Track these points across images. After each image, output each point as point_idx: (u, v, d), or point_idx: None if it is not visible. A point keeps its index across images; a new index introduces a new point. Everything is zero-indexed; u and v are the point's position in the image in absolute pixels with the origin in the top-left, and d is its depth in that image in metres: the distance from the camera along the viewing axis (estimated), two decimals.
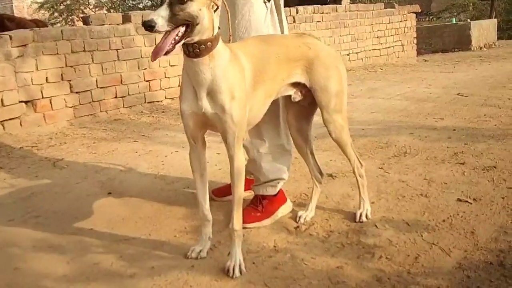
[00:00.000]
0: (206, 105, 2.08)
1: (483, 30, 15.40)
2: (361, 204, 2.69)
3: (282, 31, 2.77)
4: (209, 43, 1.99)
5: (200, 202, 2.37)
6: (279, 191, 2.81)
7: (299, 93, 2.47)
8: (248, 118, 2.21)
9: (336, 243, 2.44)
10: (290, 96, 2.47)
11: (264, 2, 2.63)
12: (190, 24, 1.90)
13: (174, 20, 1.85)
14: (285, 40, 2.49)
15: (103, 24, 5.80)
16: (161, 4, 1.86)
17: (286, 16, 7.86)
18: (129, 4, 21.47)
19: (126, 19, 6.04)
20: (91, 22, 5.74)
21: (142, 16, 6.16)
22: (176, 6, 1.85)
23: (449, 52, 14.06)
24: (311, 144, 2.77)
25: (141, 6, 21.52)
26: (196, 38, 1.95)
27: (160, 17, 1.81)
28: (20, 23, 6.13)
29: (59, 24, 20.05)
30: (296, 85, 2.44)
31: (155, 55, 1.91)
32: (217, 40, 2.03)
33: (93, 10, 20.97)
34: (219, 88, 2.06)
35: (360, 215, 2.66)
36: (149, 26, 1.80)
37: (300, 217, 2.71)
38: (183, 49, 2.01)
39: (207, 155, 3.94)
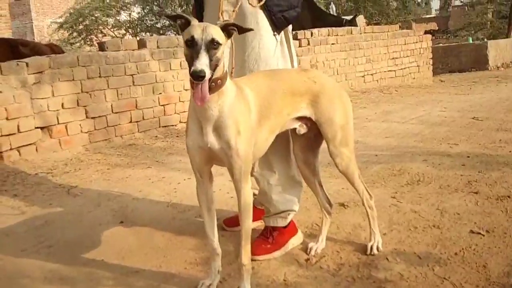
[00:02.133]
0: (212, 140, 2.10)
1: (500, 49, 15.32)
2: (371, 236, 2.68)
3: (292, 63, 2.78)
4: (219, 80, 2.01)
5: (208, 236, 2.37)
6: (289, 222, 2.80)
7: (304, 126, 2.48)
8: (252, 152, 2.22)
9: (347, 277, 2.42)
10: (295, 129, 2.48)
11: (274, 35, 2.64)
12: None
13: (211, 65, 1.87)
14: (290, 75, 2.50)
15: (118, 50, 5.87)
16: (191, 47, 1.87)
17: (301, 39, 7.97)
18: (147, 24, 21.76)
19: (142, 45, 6.11)
20: (107, 48, 5.82)
21: (157, 41, 6.23)
22: (211, 51, 1.87)
23: (466, 71, 14.00)
24: (319, 175, 2.77)
25: (159, 25, 21.80)
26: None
27: (205, 65, 1.82)
28: (35, 48, 6.25)
29: (78, 44, 20.38)
30: (301, 118, 2.46)
31: (202, 101, 1.91)
32: (225, 77, 2.05)
33: (112, 30, 21.29)
34: (225, 124, 2.07)
35: (371, 248, 2.64)
36: (200, 77, 1.81)
37: (310, 249, 2.70)
38: (191, 86, 2.01)
39: (219, 182, 3.99)
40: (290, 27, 2.76)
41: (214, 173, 4.29)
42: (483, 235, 2.76)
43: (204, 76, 1.81)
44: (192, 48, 1.88)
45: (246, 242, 2.26)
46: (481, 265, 2.43)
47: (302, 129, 2.48)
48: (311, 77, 2.47)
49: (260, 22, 2.59)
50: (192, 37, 1.88)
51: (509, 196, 3.30)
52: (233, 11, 2.47)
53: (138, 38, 18.32)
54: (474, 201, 3.27)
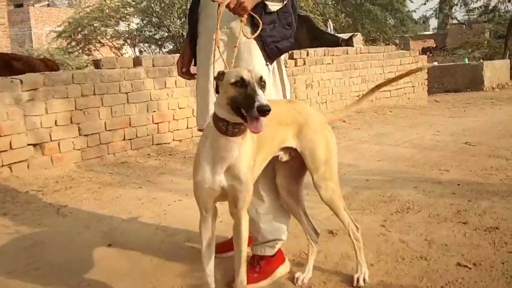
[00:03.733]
0: (223, 178, 2.13)
1: (496, 70, 15.42)
2: (358, 268, 2.67)
3: (284, 91, 2.80)
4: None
5: (205, 271, 2.36)
6: (277, 251, 2.80)
7: (287, 154, 2.50)
8: None
9: None
10: (278, 156, 2.50)
11: (266, 65, 2.66)
12: None
13: None
14: (278, 106, 2.52)
15: (114, 68, 5.89)
16: (242, 87, 1.94)
17: (296, 59, 8.01)
18: (146, 35, 21.80)
19: (137, 63, 6.14)
20: (102, 65, 5.84)
21: (152, 60, 6.25)
22: (262, 89, 1.94)
23: (461, 92, 14.07)
24: (303, 204, 2.77)
25: (157, 36, 21.84)
26: None
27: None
28: (28, 62, 6.27)
29: (76, 53, 20.40)
30: (287, 148, 2.48)
31: (258, 130, 1.92)
32: None
33: (110, 40, 21.32)
34: (241, 163, 2.11)
35: (358, 280, 2.63)
36: (268, 111, 1.84)
37: (297, 279, 2.70)
38: (217, 127, 2.04)
39: None
40: (282, 57, 2.78)
41: None
42: (470, 268, 2.76)
43: (270, 110, 1.84)
44: (244, 88, 1.92)
45: (243, 267, 2.33)
46: None
47: (284, 156, 2.50)
48: (296, 109, 2.51)
49: (253, 51, 2.61)
50: (242, 78, 1.93)
51: (497, 228, 3.30)
52: (235, 47, 2.48)
53: (136, 51, 18.32)
54: (463, 232, 3.28)
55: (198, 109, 2.75)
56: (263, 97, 1.87)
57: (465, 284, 2.59)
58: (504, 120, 8.24)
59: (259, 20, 2.52)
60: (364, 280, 2.64)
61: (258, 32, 2.53)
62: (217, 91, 2.09)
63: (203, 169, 2.13)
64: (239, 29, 2.55)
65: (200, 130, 2.80)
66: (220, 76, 2.04)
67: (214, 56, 2.53)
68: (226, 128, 2.02)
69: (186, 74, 2.93)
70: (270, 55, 2.65)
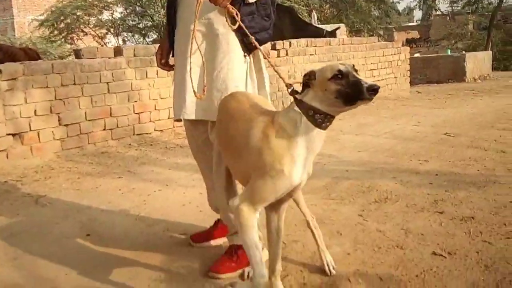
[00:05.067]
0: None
1: (478, 62, 15.56)
2: (322, 256, 2.70)
3: (263, 84, 2.80)
4: None
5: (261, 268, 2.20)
6: None
7: None
8: None
9: None
10: None
11: (244, 56, 2.66)
12: None
13: None
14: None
15: (94, 58, 5.86)
16: (342, 78, 1.96)
17: (279, 50, 7.99)
18: (129, 24, 21.65)
19: (118, 53, 6.10)
20: (82, 55, 5.80)
21: (134, 50, 6.22)
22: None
23: (443, 83, 14.17)
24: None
25: (141, 26, 21.70)
26: None
27: None
28: (8, 51, 6.20)
29: (58, 42, 20.19)
30: None
31: None
32: None
33: (93, 29, 21.14)
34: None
35: (328, 269, 2.65)
36: (378, 88, 1.89)
37: (248, 273, 2.66)
38: (314, 121, 2.04)
39: (190, 195, 4.01)
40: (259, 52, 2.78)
41: (186, 184, 4.32)
42: (445, 257, 2.80)
43: (379, 87, 1.90)
44: (345, 78, 1.94)
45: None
46: None
47: None
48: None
49: (231, 43, 2.61)
50: (340, 70, 1.95)
51: (473, 217, 3.35)
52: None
53: (119, 40, 18.15)
54: (439, 222, 3.32)
55: (175, 99, 2.75)
56: (366, 80, 1.92)
57: (439, 273, 2.62)
58: (484, 111, 8.31)
59: (237, 12, 2.52)
60: (332, 267, 2.66)
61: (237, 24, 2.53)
62: (303, 89, 2.09)
63: (297, 165, 2.09)
64: (217, 20, 2.56)
65: (176, 120, 2.81)
66: (310, 76, 2.05)
67: (191, 47, 2.53)
68: (322, 121, 2.03)
69: (166, 65, 2.93)
70: (249, 46, 2.65)
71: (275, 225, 2.34)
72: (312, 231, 2.72)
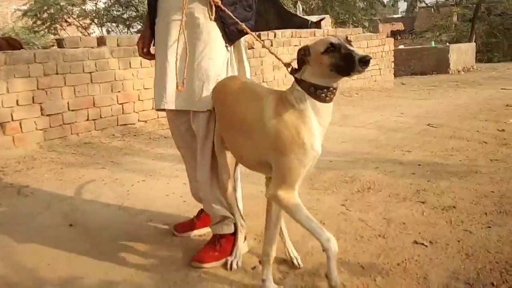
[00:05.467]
0: None
1: (461, 53, 15.64)
2: (289, 251, 2.72)
3: (244, 75, 2.80)
4: None
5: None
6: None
7: None
8: None
9: (291, 286, 2.45)
10: None
11: (226, 46, 2.66)
12: None
13: None
14: None
15: (77, 47, 5.80)
16: (334, 51, 1.99)
17: (264, 40, 7.95)
18: (113, 14, 21.48)
19: (101, 42, 6.06)
20: (65, 45, 5.75)
21: (117, 40, 6.17)
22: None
23: (427, 75, 14.25)
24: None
25: (125, 16, 21.55)
26: None
27: None
28: None
29: (42, 32, 19.98)
30: None
31: None
32: None
33: (77, 19, 20.94)
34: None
35: (297, 262, 2.67)
36: (370, 59, 1.94)
37: (231, 263, 2.68)
38: (318, 97, 2.07)
39: (173, 185, 4.00)
40: (242, 39, 2.78)
41: (169, 174, 4.32)
42: (426, 246, 2.82)
43: (371, 58, 1.95)
44: (337, 51, 1.97)
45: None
46: (422, 277, 2.48)
47: None
48: None
49: (212, 33, 2.60)
50: (332, 43, 1.98)
51: (454, 207, 3.38)
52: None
53: (103, 30, 17.99)
54: (421, 211, 3.34)
55: (156, 89, 2.74)
56: (358, 51, 1.95)
57: (420, 261, 2.64)
58: (467, 102, 8.37)
59: (218, 2, 2.52)
60: (299, 261, 2.68)
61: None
62: (300, 68, 2.12)
63: (316, 136, 2.11)
64: (198, 10, 2.55)
65: (157, 110, 2.80)
66: (305, 52, 2.08)
67: (179, 38, 2.52)
68: (326, 95, 2.07)
69: (147, 54, 2.92)
70: (230, 37, 2.66)
71: (276, 209, 2.39)
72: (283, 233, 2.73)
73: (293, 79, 2.15)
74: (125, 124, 6.24)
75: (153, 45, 2.85)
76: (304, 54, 2.08)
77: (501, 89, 10.08)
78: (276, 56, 2.47)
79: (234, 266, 2.65)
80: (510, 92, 9.54)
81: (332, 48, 1.98)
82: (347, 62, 1.95)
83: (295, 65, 2.18)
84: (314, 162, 2.18)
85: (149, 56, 2.93)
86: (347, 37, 2.04)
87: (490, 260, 2.63)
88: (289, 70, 2.19)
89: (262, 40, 2.73)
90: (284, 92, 2.17)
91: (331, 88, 2.07)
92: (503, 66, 17.08)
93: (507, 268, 2.52)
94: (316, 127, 2.10)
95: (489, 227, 3.05)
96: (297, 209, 2.17)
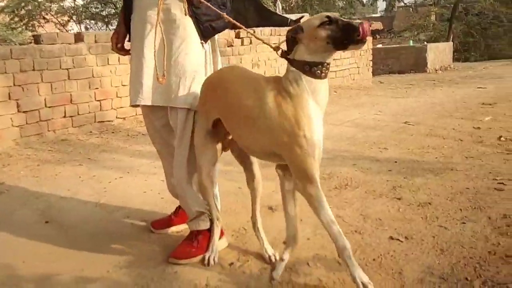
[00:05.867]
0: None
1: (439, 53, 15.81)
2: (266, 249, 2.72)
3: (216, 68, 2.82)
4: None
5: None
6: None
7: None
8: None
9: (268, 282, 2.45)
10: None
11: (201, 43, 2.66)
12: None
13: None
14: None
15: (54, 43, 5.75)
16: (332, 23, 2.05)
17: (243, 38, 7.96)
18: (92, 11, 21.27)
19: (79, 39, 6.00)
20: (42, 41, 5.68)
21: (95, 36, 6.13)
22: None
23: (405, 73, 14.37)
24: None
25: (104, 13, 21.35)
26: None
27: None
28: None
29: (19, 29, 19.72)
30: None
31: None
32: None
33: (55, 16, 20.70)
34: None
35: (275, 259, 2.66)
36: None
37: (208, 258, 2.67)
38: (313, 74, 2.10)
39: (151, 182, 3.99)
40: (216, 37, 2.78)
41: (147, 171, 4.30)
42: (402, 241, 2.85)
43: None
44: (334, 23, 2.02)
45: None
46: (397, 272, 2.51)
47: None
48: None
49: (188, 29, 2.60)
50: (328, 16, 2.04)
51: (430, 203, 3.42)
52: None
53: (82, 27, 17.80)
54: (397, 207, 3.38)
55: (131, 85, 2.72)
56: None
57: (396, 257, 2.67)
58: (443, 101, 8.46)
59: None
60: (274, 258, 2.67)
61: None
62: (290, 48, 2.14)
63: (315, 123, 2.13)
64: (175, 6, 2.55)
65: (132, 106, 2.79)
66: (296, 30, 2.10)
67: (156, 33, 2.51)
68: (321, 71, 2.10)
69: (121, 49, 2.90)
70: (205, 33, 2.66)
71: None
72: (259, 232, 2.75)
73: (284, 67, 2.18)
74: (103, 121, 6.20)
75: (128, 41, 2.83)
76: (295, 32, 2.11)
77: (477, 87, 10.22)
78: (263, 41, 2.62)
79: (211, 262, 2.64)
80: (486, 90, 9.67)
81: (328, 21, 2.02)
82: (346, 33, 1.99)
83: (285, 47, 2.20)
84: (320, 151, 2.19)
85: (123, 51, 2.91)
86: (340, 15, 2.09)
87: (464, 255, 2.66)
88: (279, 53, 2.23)
89: (253, 31, 2.70)
90: (281, 79, 2.19)
91: (325, 64, 2.10)
92: (480, 65, 17.31)
93: (481, 263, 2.55)
94: (315, 111, 2.12)
95: (464, 223, 3.09)
96: (326, 210, 2.26)
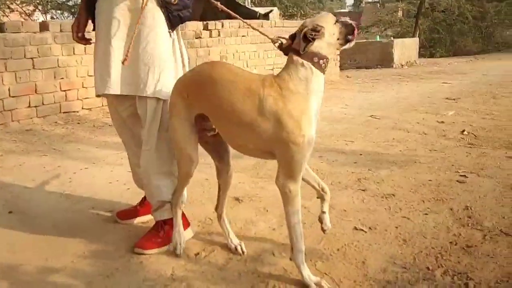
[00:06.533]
0: None
1: (405, 48, 16.01)
2: (229, 242, 2.73)
3: (183, 61, 2.81)
4: None
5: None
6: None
7: None
8: None
9: (234, 272, 2.47)
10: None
11: (169, 32, 2.66)
12: None
13: None
14: None
15: (19, 32, 5.65)
16: (338, 22, 2.25)
17: (211, 30, 7.95)
18: (58, 1, 20.95)
19: (44, 28, 5.91)
20: (6, 29, 5.58)
21: (60, 25, 6.04)
22: None
23: (372, 68, 14.50)
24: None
25: (70, 3, 21.07)
26: None
27: None
28: None
29: None
30: None
31: None
32: None
33: (20, 6, 20.32)
34: None
35: (241, 250, 2.68)
36: None
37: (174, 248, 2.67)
38: (320, 68, 2.18)
39: (116, 173, 3.97)
40: (179, 27, 2.78)
41: (113, 162, 4.27)
42: (366, 232, 2.90)
43: None
44: (340, 22, 2.24)
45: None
46: (361, 261, 2.55)
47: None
48: None
49: (156, 18, 2.59)
50: (335, 15, 2.27)
51: (393, 195, 3.48)
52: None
53: (48, 17, 17.54)
54: (361, 198, 3.43)
55: (97, 74, 2.69)
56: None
57: (360, 247, 2.71)
58: (408, 95, 8.59)
59: None
60: (241, 249, 2.69)
61: None
62: (304, 43, 2.16)
63: (312, 123, 2.18)
64: None
65: (98, 95, 2.76)
66: (317, 31, 2.15)
67: (139, 21, 2.51)
68: (325, 65, 2.21)
69: (82, 39, 2.86)
70: (173, 23, 2.66)
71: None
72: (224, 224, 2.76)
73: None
74: (68, 112, 6.12)
75: (93, 30, 2.79)
76: (317, 30, 2.15)
77: (442, 83, 10.41)
78: (260, 32, 2.73)
79: (178, 252, 2.64)
80: (450, 86, 9.85)
81: (337, 20, 2.23)
82: (351, 29, 2.24)
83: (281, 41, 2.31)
84: (312, 149, 2.24)
85: (83, 40, 2.87)
86: None
87: (426, 245, 2.72)
88: (277, 46, 2.31)
89: (248, 22, 2.69)
90: (281, 76, 2.20)
91: (327, 59, 2.20)
92: (445, 61, 17.61)
93: (442, 253, 2.61)
94: (314, 110, 2.18)
95: (426, 214, 3.16)
96: (296, 211, 2.35)
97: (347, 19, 2.26)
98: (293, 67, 2.17)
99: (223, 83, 2.28)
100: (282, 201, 2.33)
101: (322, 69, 2.18)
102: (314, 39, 2.14)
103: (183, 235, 2.70)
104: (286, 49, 2.24)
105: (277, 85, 2.17)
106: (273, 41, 2.33)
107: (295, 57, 2.17)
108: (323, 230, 2.67)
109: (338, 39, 2.21)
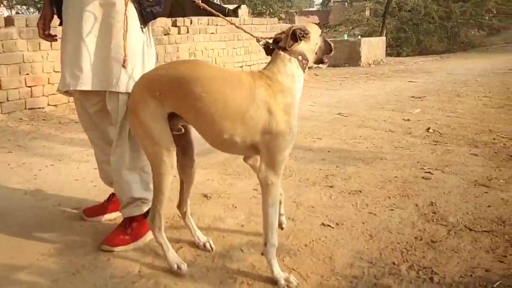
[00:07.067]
0: None
1: (372, 47, 16.14)
2: (196, 239, 2.72)
3: (153, 54, 2.80)
4: None
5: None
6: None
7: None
8: None
9: (202, 268, 2.47)
10: None
11: (141, 27, 2.64)
12: None
13: None
14: None
15: None
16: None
17: (180, 27, 7.93)
18: None
19: (9, 23, 5.79)
20: None
21: (26, 20, 5.93)
22: None
23: (339, 67, 14.58)
24: None
25: None
26: None
27: None
28: None
29: None
30: None
31: None
32: None
33: None
34: None
35: (210, 246, 2.67)
36: None
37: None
38: (302, 65, 2.31)
39: (83, 170, 3.92)
40: (150, 23, 2.76)
41: (79, 159, 4.22)
42: (333, 228, 2.93)
43: None
44: (321, 36, 2.42)
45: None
46: (328, 256, 2.58)
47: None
48: None
49: (129, 14, 2.56)
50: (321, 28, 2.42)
51: (360, 191, 3.53)
52: None
53: (13, 13, 17.23)
54: (329, 195, 3.47)
55: (67, 70, 2.64)
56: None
57: (327, 242, 2.74)
58: (375, 94, 8.68)
59: None
60: (210, 245, 2.68)
61: None
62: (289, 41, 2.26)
63: (296, 118, 2.30)
64: None
65: (63, 92, 2.72)
66: (306, 33, 2.28)
67: (125, 21, 2.51)
68: (306, 65, 2.33)
69: (49, 36, 2.80)
70: (146, 18, 2.66)
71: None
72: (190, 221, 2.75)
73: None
74: (34, 108, 6.02)
75: (59, 25, 2.75)
76: (305, 33, 2.28)
77: (408, 81, 10.54)
78: (244, 31, 2.80)
79: (184, 270, 2.44)
80: (416, 84, 9.99)
81: (321, 34, 2.34)
82: (329, 50, 2.43)
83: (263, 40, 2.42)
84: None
85: (50, 37, 2.81)
86: None
87: (392, 240, 2.76)
88: (261, 44, 2.39)
89: (230, 19, 2.68)
90: (270, 72, 2.25)
91: (308, 62, 2.34)
92: (411, 60, 17.84)
93: (407, 248, 2.66)
94: (297, 105, 2.29)
95: (392, 210, 3.21)
96: (275, 203, 2.30)
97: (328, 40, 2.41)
98: (281, 62, 2.26)
99: (211, 79, 2.22)
100: (262, 194, 2.31)
101: (304, 69, 2.29)
102: (301, 40, 2.26)
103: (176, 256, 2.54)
104: (270, 49, 2.33)
105: (266, 77, 2.22)
106: (258, 40, 2.41)
107: (283, 53, 2.26)
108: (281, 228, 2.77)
109: (316, 53, 2.35)
